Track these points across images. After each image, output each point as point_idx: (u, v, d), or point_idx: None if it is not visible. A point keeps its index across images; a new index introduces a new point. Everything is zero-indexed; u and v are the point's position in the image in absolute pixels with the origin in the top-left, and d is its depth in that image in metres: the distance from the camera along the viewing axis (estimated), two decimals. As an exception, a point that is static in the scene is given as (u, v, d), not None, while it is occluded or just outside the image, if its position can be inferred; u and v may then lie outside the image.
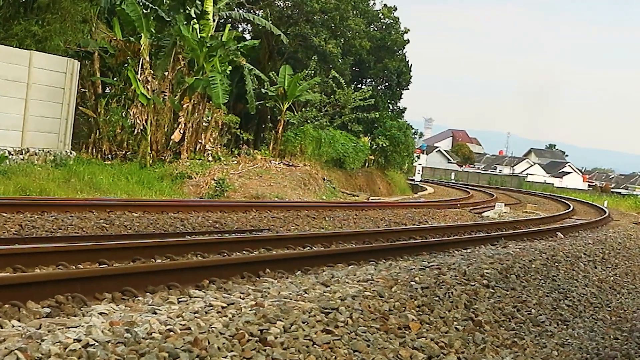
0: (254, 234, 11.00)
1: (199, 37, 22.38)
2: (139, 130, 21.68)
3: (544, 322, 6.54)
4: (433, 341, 4.94)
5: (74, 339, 3.79)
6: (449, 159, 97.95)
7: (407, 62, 36.98)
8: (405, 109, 39.89)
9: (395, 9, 36.88)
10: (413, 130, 39.19)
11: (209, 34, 23.21)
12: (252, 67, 26.86)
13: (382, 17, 36.72)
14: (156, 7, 22.44)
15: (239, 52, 24.82)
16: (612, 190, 73.79)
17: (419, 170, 42.71)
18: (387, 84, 37.35)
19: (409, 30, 36.96)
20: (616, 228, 19.36)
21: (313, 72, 29.69)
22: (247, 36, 31.36)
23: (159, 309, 4.89)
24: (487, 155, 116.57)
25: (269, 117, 31.41)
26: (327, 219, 14.70)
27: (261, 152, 26.19)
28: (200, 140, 23.28)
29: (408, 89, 37.85)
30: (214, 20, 24.13)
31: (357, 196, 25.91)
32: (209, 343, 3.92)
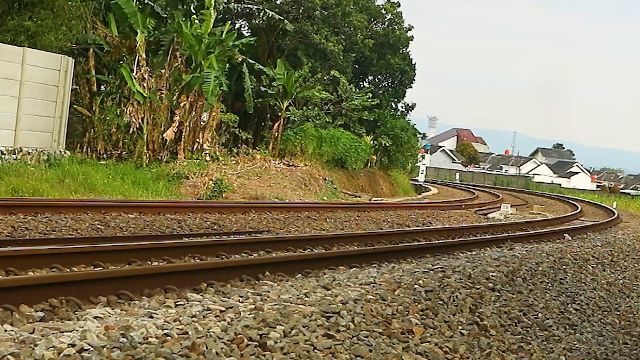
0: (253, 235, 10.94)
1: (197, 33, 22.26)
2: (135, 129, 21.56)
3: (551, 327, 6.49)
4: (437, 346, 4.89)
5: (68, 344, 3.75)
6: (453, 159, 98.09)
7: (411, 59, 36.83)
8: (414, 105, 39.58)
9: (399, 5, 36.68)
10: (417, 132, 38.74)
11: (208, 30, 23.08)
12: (254, 62, 26.71)
13: (384, 12, 36.50)
14: (152, 3, 22.32)
15: (237, 49, 24.70)
16: (621, 191, 73.95)
17: (422, 170, 42.63)
18: (390, 81, 37.22)
19: (412, 27, 36.74)
20: (625, 230, 19.30)
21: (313, 69, 29.60)
22: (246, 33, 31.24)
23: (156, 313, 4.85)
24: (493, 155, 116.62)
25: (268, 115, 31.33)
26: (328, 220, 14.63)
27: (260, 152, 26.07)
28: (197, 140, 23.16)
29: (411, 87, 37.66)
30: (213, 15, 24.01)
31: (359, 197, 25.81)
32: (206, 348, 3.87)
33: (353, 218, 15.65)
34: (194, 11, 22.78)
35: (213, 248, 8.49)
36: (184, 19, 22.05)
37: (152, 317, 4.67)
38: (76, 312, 5.17)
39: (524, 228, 16.92)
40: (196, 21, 22.73)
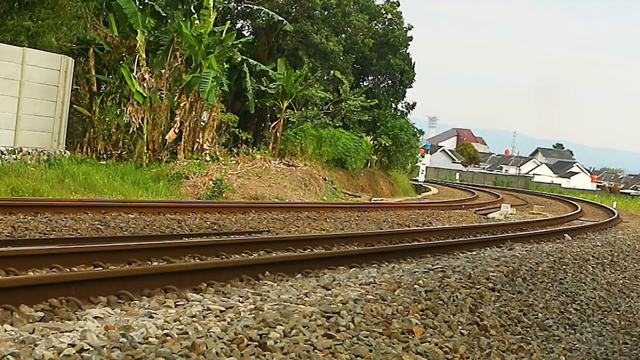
0: (253, 235, 10.93)
1: (197, 33, 22.25)
2: (135, 129, 21.57)
3: (551, 327, 6.48)
4: (437, 346, 4.88)
5: (68, 344, 3.75)
6: (453, 159, 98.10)
7: (410, 59, 36.82)
8: (415, 103, 39.56)
9: (399, 4, 36.68)
10: (416, 131, 38.64)
11: (208, 30, 23.07)
12: (255, 62, 26.72)
13: (384, 12, 36.50)
14: (152, 3, 22.31)
15: (237, 49, 24.70)
16: (621, 191, 73.93)
17: (422, 170, 42.61)
18: (390, 81, 37.21)
19: (412, 27, 36.74)
20: (625, 230, 19.25)
21: (313, 68, 29.60)
22: (246, 33, 31.26)
23: (156, 313, 4.85)
24: (493, 155, 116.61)
25: (268, 115, 31.33)
26: (328, 220, 14.62)
27: (260, 152, 26.07)
28: (197, 140, 23.17)
29: (411, 87, 37.65)
30: (212, 15, 24.00)
31: (359, 197, 25.80)
32: (206, 348, 3.87)
33: (353, 218, 15.64)
34: (193, 11, 22.76)
35: (213, 248, 8.48)
36: (183, 19, 22.03)
37: (152, 317, 4.66)
38: (76, 312, 5.16)
39: (524, 228, 16.90)
40: (196, 21, 22.72)
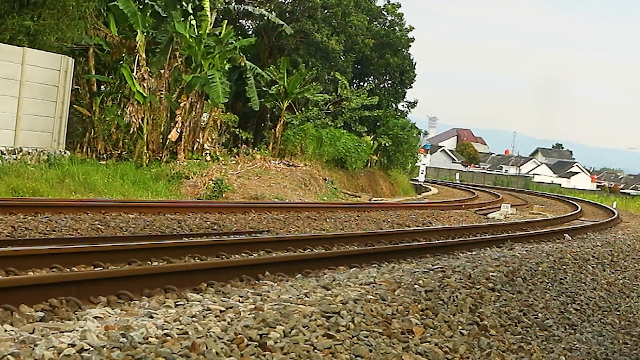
0: (253, 235, 10.94)
1: (196, 33, 22.22)
2: (135, 129, 21.58)
3: (551, 327, 6.47)
4: (437, 346, 4.88)
5: (68, 344, 3.75)
6: (453, 159, 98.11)
7: (411, 59, 36.83)
8: (416, 101, 39.52)
9: (400, 6, 36.73)
10: (417, 132, 38.62)
11: (207, 31, 23.05)
12: (253, 65, 26.75)
13: (385, 13, 36.55)
14: (152, 3, 22.30)
15: (238, 50, 24.69)
16: (621, 190, 73.93)
17: (422, 170, 42.60)
18: (390, 82, 37.23)
19: (413, 28, 36.78)
20: (625, 230, 19.22)
21: (315, 69, 29.62)
22: (248, 33, 31.30)
23: (156, 313, 4.85)
24: (493, 155, 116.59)
25: (268, 115, 31.33)
26: (328, 220, 14.62)
27: (261, 152, 26.06)
28: (197, 140, 23.18)
29: (412, 87, 37.68)
30: (211, 15, 23.97)
31: (359, 197, 25.79)
32: (206, 348, 3.87)
33: (353, 218, 15.63)
34: (191, 12, 22.74)
35: (213, 248, 8.48)
36: (182, 19, 22.01)
37: (152, 317, 4.67)
38: (76, 312, 5.17)
39: (524, 228, 16.89)
40: (194, 22, 22.70)
